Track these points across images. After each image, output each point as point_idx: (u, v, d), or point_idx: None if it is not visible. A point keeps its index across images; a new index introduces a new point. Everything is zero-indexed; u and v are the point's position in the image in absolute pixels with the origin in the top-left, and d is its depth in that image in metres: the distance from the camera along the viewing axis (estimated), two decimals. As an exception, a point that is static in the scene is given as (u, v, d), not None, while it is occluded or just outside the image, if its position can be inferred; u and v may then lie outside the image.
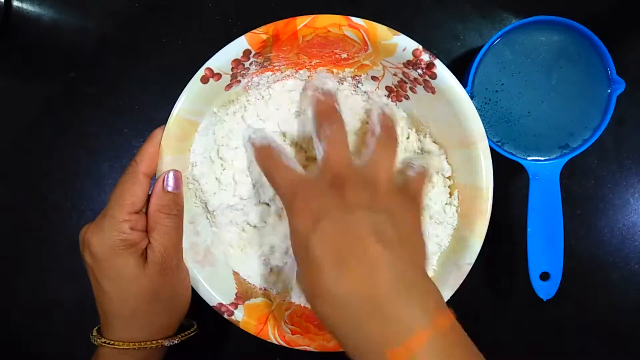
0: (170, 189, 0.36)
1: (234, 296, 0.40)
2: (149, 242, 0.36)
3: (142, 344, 0.35)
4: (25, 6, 0.48)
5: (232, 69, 0.37)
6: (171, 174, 0.37)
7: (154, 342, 0.36)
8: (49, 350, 0.50)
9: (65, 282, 0.49)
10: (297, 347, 0.39)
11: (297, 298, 0.42)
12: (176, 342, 0.37)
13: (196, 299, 0.39)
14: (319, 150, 0.35)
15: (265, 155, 0.36)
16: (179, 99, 0.37)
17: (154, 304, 0.36)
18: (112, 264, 0.34)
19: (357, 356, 0.29)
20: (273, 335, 0.39)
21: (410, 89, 0.40)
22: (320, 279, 0.29)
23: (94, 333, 0.37)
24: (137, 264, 0.35)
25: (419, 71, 0.38)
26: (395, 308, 0.28)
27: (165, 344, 0.37)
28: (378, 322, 0.28)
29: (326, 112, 0.36)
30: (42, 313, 0.49)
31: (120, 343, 0.35)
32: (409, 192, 0.35)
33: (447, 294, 0.38)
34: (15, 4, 0.48)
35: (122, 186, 0.35)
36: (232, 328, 0.39)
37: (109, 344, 0.35)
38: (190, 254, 0.39)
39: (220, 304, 0.39)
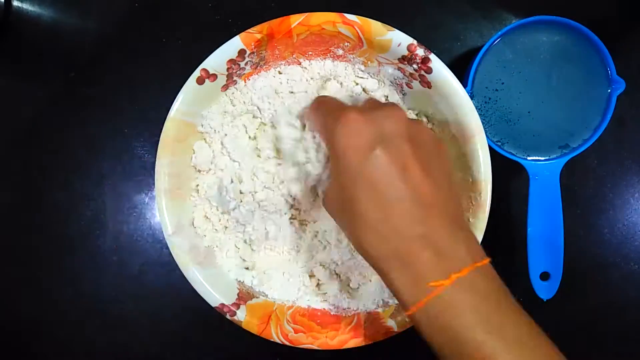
0: None
1: (236, 296, 0.40)
2: None
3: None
4: (25, 6, 0.48)
5: (228, 69, 0.37)
6: None
7: None
8: (49, 350, 0.50)
9: (65, 282, 0.49)
10: (300, 346, 0.39)
11: (303, 302, 0.42)
12: None
13: (198, 299, 0.39)
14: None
15: (318, 100, 0.36)
16: (175, 100, 0.37)
17: None
18: None
19: (401, 289, 0.29)
20: (276, 334, 0.39)
21: (407, 84, 0.40)
22: (376, 211, 0.29)
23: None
24: None
25: (415, 66, 0.38)
26: (447, 248, 0.29)
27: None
28: (430, 258, 0.28)
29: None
30: (42, 313, 0.49)
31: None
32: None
33: None
34: (15, 3, 0.48)
35: None
36: (233, 328, 0.39)
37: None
38: (191, 256, 0.39)
39: (222, 304, 0.39)
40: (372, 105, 0.33)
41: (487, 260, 0.29)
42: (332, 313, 0.41)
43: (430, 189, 0.29)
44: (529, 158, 0.43)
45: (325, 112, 0.33)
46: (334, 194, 0.32)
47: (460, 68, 0.44)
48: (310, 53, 0.40)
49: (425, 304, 0.28)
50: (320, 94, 0.40)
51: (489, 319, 0.28)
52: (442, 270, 0.28)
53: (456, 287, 0.28)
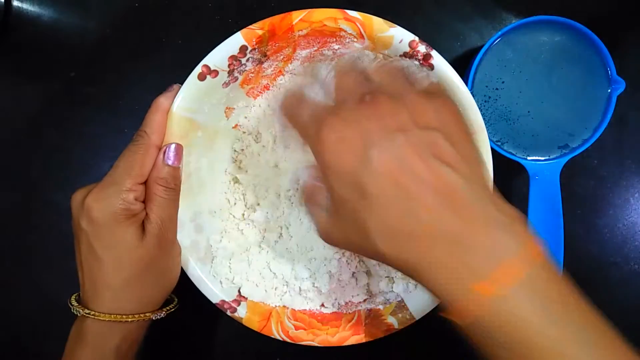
0: (170, 162, 0.36)
1: (237, 293, 0.40)
2: (146, 213, 0.36)
3: (130, 316, 0.35)
4: (25, 6, 0.48)
5: (229, 65, 0.37)
6: (172, 147, 0.37)
7: (141, 315, 0.35)
8: (49, 350, 0.50)
9: (65, 282, 0.49)
10: (301, 343, 0.39)
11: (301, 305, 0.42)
12: (162, 315, 0.37)
13: (198, 296, 0.39)
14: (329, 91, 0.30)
15: (291, 100, 0.32)
16: (176, 96, 0.37)
17: (146, 276, 0.35)
18: (112, 232, 0.34)
19: (444, 296, 0.26)
20: (276, 331, 0.39)
21: None
22: (388, 218, 0.26)
23: (74, 302, 0.35)
24: (136, 235, 0.34)
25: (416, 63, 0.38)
26: (481, 237, 0.25)
27: (153, 317, 0.36)
28: (462, 255, 0.25)
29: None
30: (42, 313, 0.49)
31: (107, 315, 0.34)
32: (435, 94, 0.29)
33: None
34: (15, 3, 0.48)
35: (132, 156, 0.35)
36: (233, 325, 0.39)
37: (94, 315, 0.34)
38: (191, 252, 0.39)
39: (223, 300, 0.39)
40: (360, 95, 0.28)
41: (538, 248, 0.25)
42: (330, 311, 0.41)
43: (447, 176, 0.25)
44: (529, 158, 0.43)
45: (300, 115, 0.30)
46: (335, 210, 0.29)
47: (460, 68, 0.44)
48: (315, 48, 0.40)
49: (475, 310, 0.25)
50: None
51: (551, 316, 0.24)
52: (479, 270, 0.25)
53: (508, 287, 0.24)
